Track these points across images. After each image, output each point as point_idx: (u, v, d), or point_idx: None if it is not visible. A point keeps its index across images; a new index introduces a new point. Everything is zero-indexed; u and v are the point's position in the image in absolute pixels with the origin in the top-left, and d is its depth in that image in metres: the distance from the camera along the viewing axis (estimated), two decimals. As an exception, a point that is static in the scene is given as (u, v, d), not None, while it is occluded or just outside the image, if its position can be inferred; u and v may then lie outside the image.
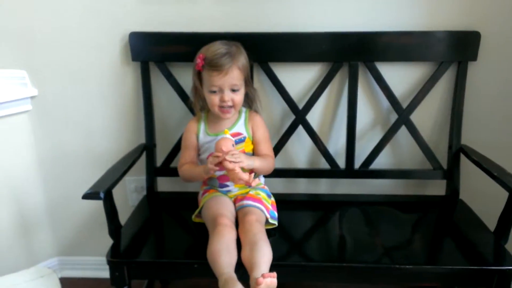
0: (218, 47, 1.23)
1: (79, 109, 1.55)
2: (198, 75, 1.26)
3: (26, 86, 1.51)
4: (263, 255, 1.08)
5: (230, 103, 1.24)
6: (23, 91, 1.51)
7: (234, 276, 1.04)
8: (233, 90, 1.24)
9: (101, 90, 1.52)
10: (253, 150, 1.33)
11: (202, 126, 1.32)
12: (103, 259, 1.19)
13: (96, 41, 1.46)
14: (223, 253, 1.09)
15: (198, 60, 1.23)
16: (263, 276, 0.98)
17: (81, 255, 1.77)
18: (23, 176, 1.61)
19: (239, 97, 1.25)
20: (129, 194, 1.65)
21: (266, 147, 1.33)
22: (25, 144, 1.59)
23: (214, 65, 1.20)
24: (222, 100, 1.23)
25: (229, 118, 1.30)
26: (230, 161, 1.14)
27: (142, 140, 1.51)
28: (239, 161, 1.15)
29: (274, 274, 1.00)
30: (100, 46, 1.47)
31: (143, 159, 1.49)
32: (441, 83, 1.44)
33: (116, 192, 1.25)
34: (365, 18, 1.40)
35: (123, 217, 1.35)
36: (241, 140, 1.30)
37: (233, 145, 1.18)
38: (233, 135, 1.29)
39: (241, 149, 1.29)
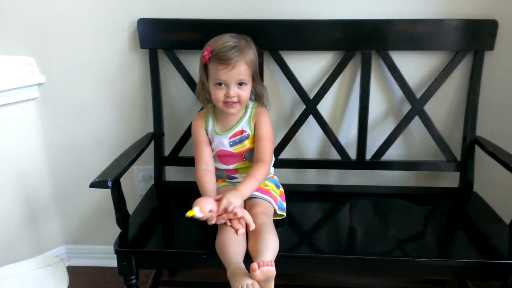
0: (226, 40, 1.18)
1: (86, 96, 1.54)
2: (205, 68, 1.22)
3: (33, 73, 1.50)
4: (267, 244, 1.06)
5: (235, 99, 1.20)
6: (30, 78, 1.50)
7: (242, 266, 1.03)
8: (240, 85, 1.20)
9: (109, 78, 1.50)
10: (254, 145, 1.29)
11: (210, 123, 1.29)
12: (111, 248, 1.18)
13: (104, 27, 1.44)
14: (231, 244, 1.08)
15: (205, 52, 1.19)
16: (258, 264, 0.97)
17: (89, 243, 1.77)
18: (30, 163, 1.60)
19: (245, 92, 1.21)
20: (137, 183, 1.64)
21: (265, 146, 1.25)
22: (32, 132, 1.58)
23: (221, 58, 1.16)
24: (227, 95, 1.19)
25: (234, 113, 1.25)
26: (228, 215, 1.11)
27: (150, 129, 1.49)
28: (232, 208, 1.10)
29: (272, 262, 0.99)
30: (108, 32, 1.45)
31: (151, 148, 1.48)
32: (456, 73, 1.40)
33: (124, 181, 1.24)
34: (379, 6, 1.36)
35: (131, 206, 1.34)
36: (246, 138, 1.28)
37: (210, 211, 1.10)
38: (238, 133, 1.27)
39: (247, 146, 1.28)
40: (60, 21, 1.45)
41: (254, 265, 0.97)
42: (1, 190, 1.54)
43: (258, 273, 0.96)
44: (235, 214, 1.10)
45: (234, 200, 1.11)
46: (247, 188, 1.18)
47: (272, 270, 0.97)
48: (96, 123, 1.57)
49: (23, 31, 1.46)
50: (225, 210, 1.10)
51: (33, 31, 1.46)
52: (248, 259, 1.07)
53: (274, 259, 1.05)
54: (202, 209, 1.09)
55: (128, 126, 1.56)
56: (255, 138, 1.28)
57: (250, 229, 1.11)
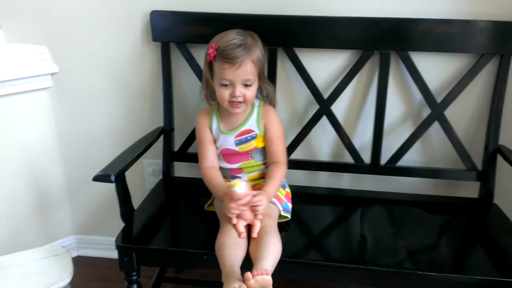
0: (233, 37, 1.14)
1: (98, 87, 1.53)
2: (209, 66, 1.18)
3: (46, 63, 1.50)
4: (267, 249, 1.03)
5: (241, 99, 1.16)
6: (44, 67, 1.50)
7: (236, 270, 1.00)
8: (246, 85, 1.16)
9: (120, 70, 1.49)
10: (265, 146, 1.26)
11: (215, 122, 1.26)
12: (119, 240, 1.16)
13: (117, 19, 1.43)
14: (230, 246, 1.05)
15: (210, 50, 1.15)
16: (252, 274, 0.94)
17: (98, 234, 1.76)
18: (42, 152, 1.60)
19: (251, 92, 1.17)
20: (146, 177, 1.63)
21: (278, 147, 1.24)
22: (45, 121, 1.58)
23: (226, 57, 1.12)
24: (232, 95, 1.15)
25: (239, 113, 1.22)
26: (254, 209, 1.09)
27: (161, 122, 1.47)
28: (261, 209, 1.09)
29: (267, 271, 0.95)
30: (121, 24, 1.43)
31: (161, 142, 1.46)
32: (480, 77, 1.33)
33: (134, 174, 1.23)
34: (400, 4, 1.30)
35: (140, 199, 1.34)
36: (253, 137, 1.24)
37: (247, 196, 1.09)
38: (244, 132, 1.24)
39: (253, 145, 1.24)
40: (74, 11, 1.44)
41: (248, 275, 0.94)
42: (13, 178, 1.55)
43: (252, 282, 0.93)
44: (256, 215, 1.09)
45: (265, 202, 1.10)
46: (272, 190, 1.17)
47: (267, 279, 0.94)
48: (108, 114, 1.56)
49: (37, 20, 1.46)
50: (251, 206, 1.08)
51: (47, 21, 1.46)
52: (250, 262, 1.04)
53: (276, 264, 1.02)
54: (247, 187, 1.08)
55: (138, 118, 1.55)
56: (266, 140, 1.25)
57: (252, 236, 1.09)
